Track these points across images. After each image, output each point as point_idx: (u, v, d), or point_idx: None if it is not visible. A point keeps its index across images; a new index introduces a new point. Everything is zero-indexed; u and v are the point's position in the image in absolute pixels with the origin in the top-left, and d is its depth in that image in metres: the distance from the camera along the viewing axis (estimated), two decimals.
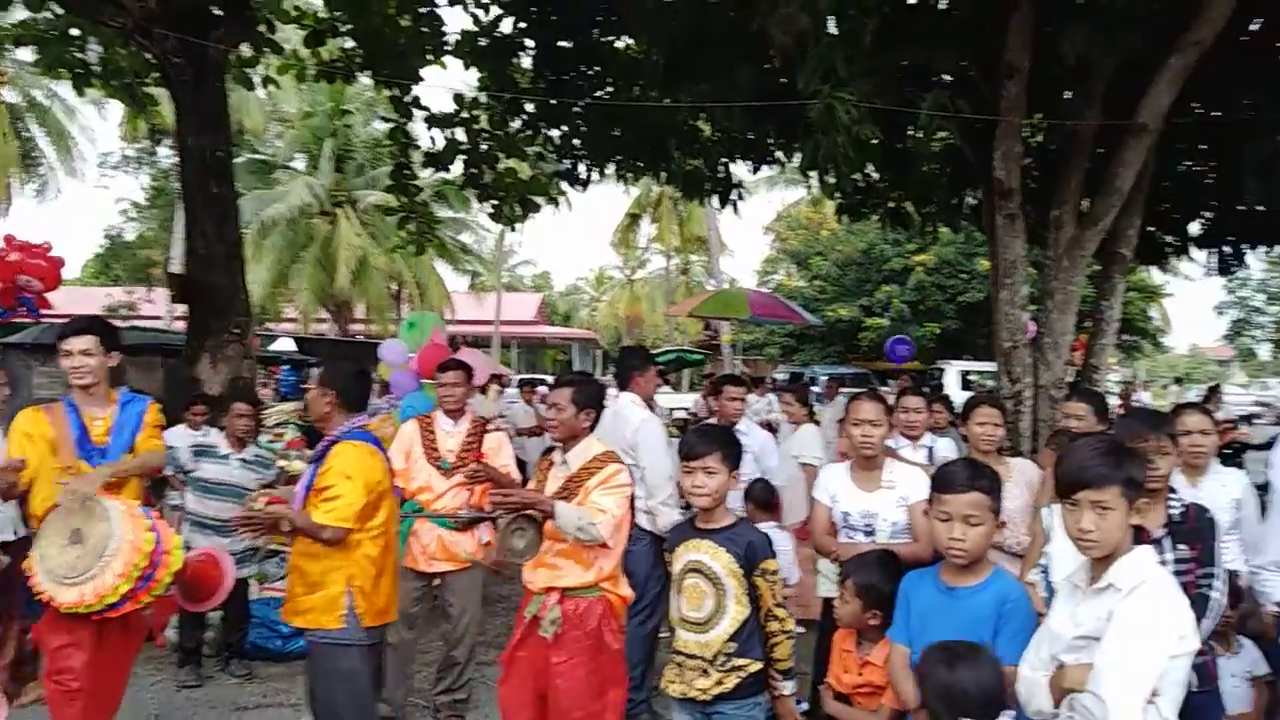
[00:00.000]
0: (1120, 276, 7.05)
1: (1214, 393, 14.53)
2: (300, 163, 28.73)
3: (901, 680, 2.74)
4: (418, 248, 10.44)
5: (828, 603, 3.95)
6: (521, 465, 6.85)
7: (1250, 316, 29.80)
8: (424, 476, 4.67)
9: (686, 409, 16.66)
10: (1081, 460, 2.34)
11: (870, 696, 3.07)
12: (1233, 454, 8.39)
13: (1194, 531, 3.00)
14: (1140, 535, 2.90)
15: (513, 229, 12.55)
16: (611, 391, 4.95)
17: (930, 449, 5.14)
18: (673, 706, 3.18)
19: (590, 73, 8.79)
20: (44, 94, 23.94)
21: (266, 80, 9.17)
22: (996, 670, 2.38)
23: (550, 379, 13.97)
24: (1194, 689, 2.85)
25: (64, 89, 19.84)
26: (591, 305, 55.30)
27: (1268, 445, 7.95)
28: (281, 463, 7.96)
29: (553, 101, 8.60)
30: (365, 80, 11.10)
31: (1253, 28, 6.62)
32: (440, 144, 9.08)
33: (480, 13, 8.47)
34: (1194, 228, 8.33)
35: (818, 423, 7.19)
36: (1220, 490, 3.82)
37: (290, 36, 9.03)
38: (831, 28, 5.66)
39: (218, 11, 7.53)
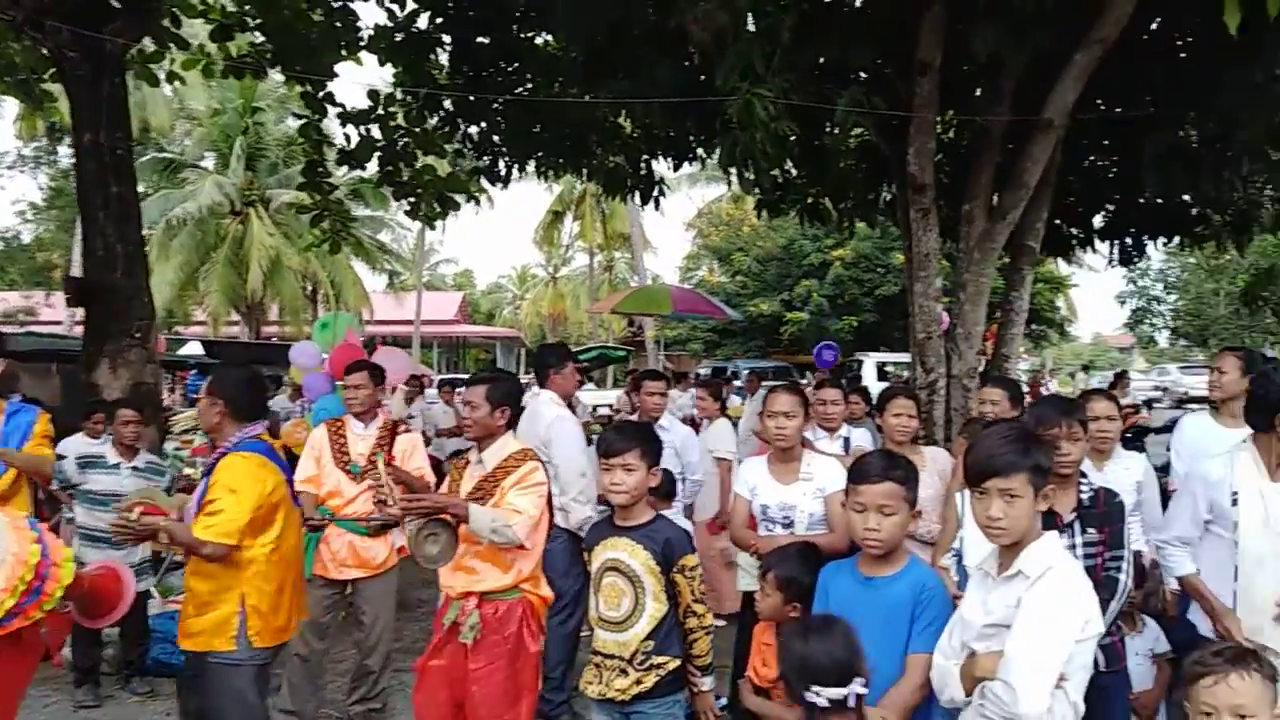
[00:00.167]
0: (1028, 268, 7.24)
1: (1121, 379, 15.09)
2: (210, 161, 27.87)
3: None
4: (332, 246, 10.19)
5: (748, 596, 3.95)
6: (439, 467, 6.72)
7: (1150, 305, 31.20)
8: (333, 481, 4.53)
9: (610, 405, 16.62)
10: (989, 449, 2.37)
11: None
12: (1134, 437, 8.70)
13: (1103, 515, 3.07)
14: (1054, 520, 2.97)
15: (432, 227, 12.37)
16: (533, 390, 4.88)
17: (846, 439, 5.19)
18: (591, 707, 3.13)
19: (509, 69, 8.69)
20: None
21: (171, 76, 8.86)
22: (849, 640, 2.41)
23: None
24: (1103, 669, 2.92)
25: None
26: (515, 303, 54.91)
27: (1167, 429, 8.31)
28: (189, 470, 7.68)
29: (471, 98, 8.47)
30: (277, 76, 10.77)
31: (1153, 27, 6.85)
32: (355, 141, 8.87)
33: (395, 8, 8.31)
34: (1097, 220, 8.61)
35: (730, 417, 7.21)
36: (1123, 473, 3.94)
37: (198, 31, 8.72)
38: (750, 25, 5.69)
39: (116, 4, 7.21)
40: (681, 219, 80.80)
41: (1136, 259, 8.67)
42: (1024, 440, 2.39)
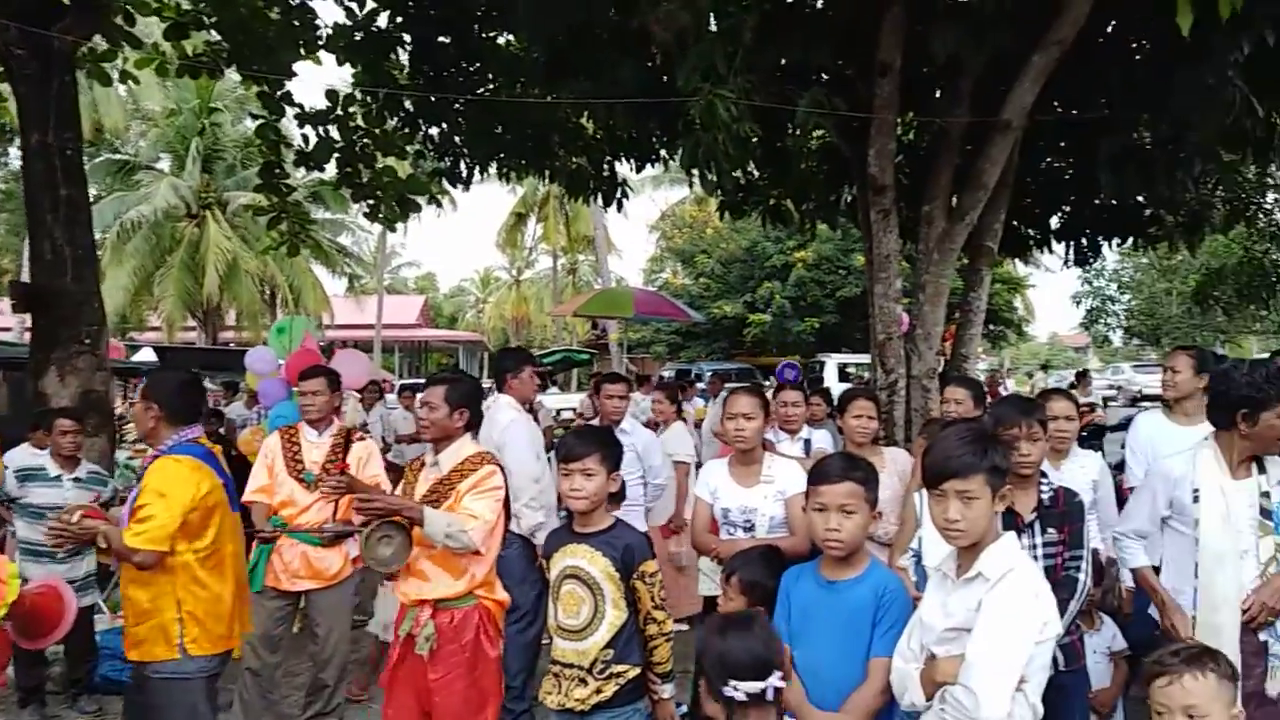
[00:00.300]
0: (987, 269, 7.30)
1: (1083, 378, 15.31)
2: (165, 163, 27.35)
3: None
4: (290, 249, 10.01)
5: (710, 601, 3.92)
6: (400, 474, 6.61)
7: (1104, 305, 31.72)
8: (287, 490, 4.42)
9: (574, 409, 16.56)
10: (946, 450, 2.35)
11: None
12: (1090, 436, 8.81)
13: (1063, 515, 3.09)
14: (1014, 520, 2.97)
15: (392, 229, 12.21)
16: (492, 395, 4.81)
17: (808, 441, 5.19)
18: (551, 718, 3.07)
19: (470, 69, 8.60)
20: None
21: (125, 75, 8.63)
22: (768, 635, 2.40)
23: None
24: (1062, 668, 2.93)
25: None
26: (478, 307, 54.64)
27: (1122, 427, 8.41)
28: None
29: (432, 98, 8.37)
30: (234, 76, 10.57)
31: (1109, 30, 6.94)
32: (314, 142, 8.73)
33: (354, 6, 8.18)
34: (1054, 221, 8.71)
35: (685, 420, 7.20)
36: (1080, 472, 3.98)
37: (152, 30, 8.51)
38: (712, 25, 5.68)
39: (65, 1, 7.02)
40: (645, 221, 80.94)
41: (1092, 259, 8.78)
42: (981, 441, 2.37)
